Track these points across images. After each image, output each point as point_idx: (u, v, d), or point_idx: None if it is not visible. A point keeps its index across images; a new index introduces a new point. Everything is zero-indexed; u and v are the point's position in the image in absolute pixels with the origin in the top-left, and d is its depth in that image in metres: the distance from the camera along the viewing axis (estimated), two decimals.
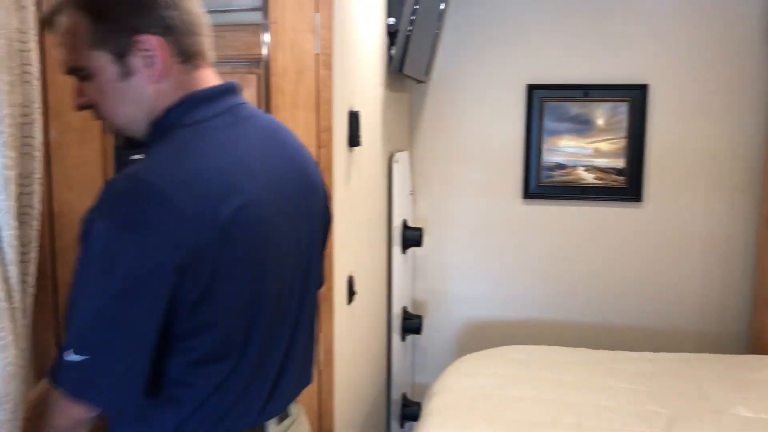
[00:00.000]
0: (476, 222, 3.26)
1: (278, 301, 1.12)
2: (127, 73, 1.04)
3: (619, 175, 3.10)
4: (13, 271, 1.01)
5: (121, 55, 1.03)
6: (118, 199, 0.94)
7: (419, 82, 3.11)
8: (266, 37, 1.85)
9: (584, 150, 3.12)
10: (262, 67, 1.86)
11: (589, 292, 3.18)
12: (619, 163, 3.10)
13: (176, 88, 1.07)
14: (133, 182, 0.95)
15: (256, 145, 1.10)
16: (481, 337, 3.24)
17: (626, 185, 3.10)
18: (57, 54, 1.05)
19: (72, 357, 0.95)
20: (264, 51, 1.85)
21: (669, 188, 3.08)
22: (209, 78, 1.11)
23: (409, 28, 2.41)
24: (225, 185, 0.99)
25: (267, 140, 1.13)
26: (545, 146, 3.14)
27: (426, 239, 3.16)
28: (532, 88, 3.12)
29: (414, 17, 2.41)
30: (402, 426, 3.06)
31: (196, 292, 0.97)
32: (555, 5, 3.08)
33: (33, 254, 1.07)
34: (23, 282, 1.05)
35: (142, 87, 1.05)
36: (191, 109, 1.06)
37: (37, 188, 1.06)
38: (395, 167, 2.76)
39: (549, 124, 3.13)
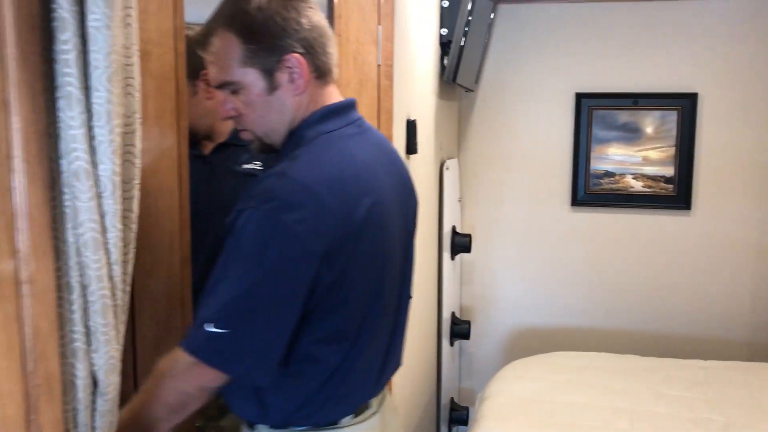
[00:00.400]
0: (524, 229, 3.28)
1: (390, 290, 1.24)
2: (273, 87, 1.16)
3: (668, 183, 3.11)
4: (117, 270, 1.08)
5: (269, 72, 1.15)
6: (270, 193, 1.06)
7: (468, 90, 3.16)
8: None
9: (633, 158, 3.13)
10: None
11: (636, 300, 3.18)
12: (668, 171, 3.10)
13: (310, 101, 1.20)
14: (283, 179, 1.07)
15: (375, 154, 1.23)
16: (527, 343, 3.27)
17: (675, 193, 3.10)
18: (208, 71, 1.19)
19: (212, 329, 1.05)
20: None
21: (718, 196, 3.07)
22: (335, 93, 1.23)
23: (462, 39, 2.46)
24: (360, 186, 1.13)
25: (380, 150, 1.26)
26: (593, 154, 3.16)
27: (473, 245, 3.20)
28: (580, 97, 3.14)
29: (467, 28, 2.46)
30: (450, 430, 3.09)
31: (333, 276, 1.09)
32: (604, 14, 3.10)
33: (131, 255, 1.14)
34: (123, 281, 1.12)
35: (285, 100, 1.17)
36: (324, 121, 1.19)
37: (136, 193, 1.13)
38: (446, 174, 2.80)
39: (597, 132, 3.14)
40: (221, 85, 1.19)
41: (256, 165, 1.68)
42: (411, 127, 2.12)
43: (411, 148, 2.12)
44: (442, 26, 2.58)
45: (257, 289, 1.05)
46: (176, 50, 1.30)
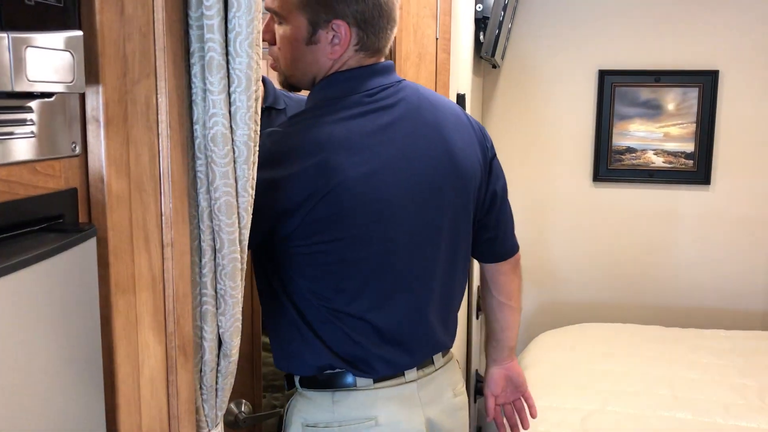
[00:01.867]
0: (546, 204, 3.33)
1: (403, 254, 1.26)
2: (312, 41, 1.20)
3: (688, 159, 3.17)
4: (245, 234, 1.11)
5: (314, 26, 1.19)
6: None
7: (494, 67, 3.18)
8: None
9: (654, 134, 3.19)
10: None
11: (656, 274, 3.25)
12: (689, 147, 3.16)
13: (344, 63, 1.24)
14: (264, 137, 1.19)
15: (393, 121, 1.25)
16: (550, 317, 3.33)
17: (695, 168, 3.17)
18: None
19: None
20: None
21: (737, 172, 3.14)
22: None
23: (502, 13, 2.48)
24: (353, 146, 1.18)
25: (409, 118, 1.26)
26: (615, 130, 3.21)
27: None
28: (603, 74, 3.18)
29: (507, 2, 2.48)
30: (475, 401, 3.15)
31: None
32: None
33: (249, 218, 1.17)
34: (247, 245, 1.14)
35: (318, 57, 1.22)
36: (332, 87, 1.25)
37: (256, 159, 1.15)
38: None
39: (620, 108, 3.19)
40: (270, 9, 1.24)
41: None
42: (461, 101, 2.15)
43: None
44: (477, 2, 2.59)
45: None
46: None
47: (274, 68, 1.32)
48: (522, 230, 3.37)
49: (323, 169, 1.16)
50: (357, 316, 1.25)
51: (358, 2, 1.19)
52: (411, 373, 1.31)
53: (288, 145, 1.18)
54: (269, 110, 1.72)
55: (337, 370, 1.26)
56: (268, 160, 1.13)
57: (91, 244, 0.78)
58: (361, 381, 1.27)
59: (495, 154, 1.44)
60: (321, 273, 1.22)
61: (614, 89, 3.18)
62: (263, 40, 1.24)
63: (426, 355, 1.34)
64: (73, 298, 0.75)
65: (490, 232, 1.45)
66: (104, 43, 0.83)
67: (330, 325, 1.24)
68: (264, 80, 1.58)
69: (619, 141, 3.22)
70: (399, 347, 1.29)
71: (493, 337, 1.55)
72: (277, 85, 1.53)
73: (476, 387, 3.14)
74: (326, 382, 1.27)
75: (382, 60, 1.29)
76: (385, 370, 1.28)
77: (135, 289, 0.92)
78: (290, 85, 1.31)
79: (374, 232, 1.22)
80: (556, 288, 3.36)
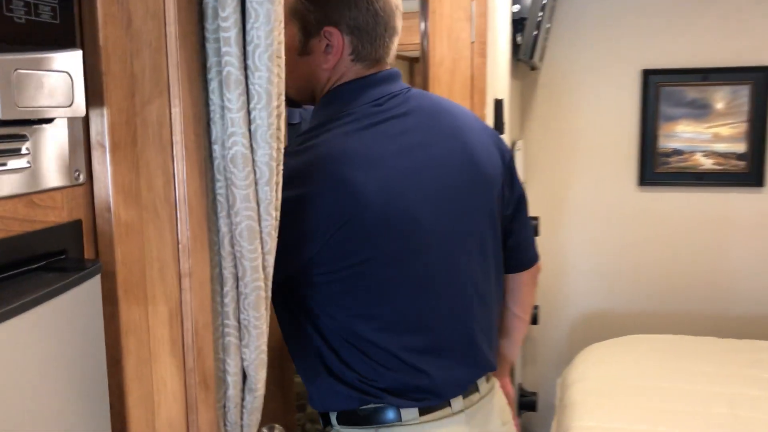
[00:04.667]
0: (590, 210, 3.21)
1: (425, 276, 1.17)
2: (305, 51, 1.15)
3: (740, 160, 3.02)
4: (270, 260, 1.03)
5: (306, 34, 1.14)
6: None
7: (532, 69, 3.08)
8: (422, 26, 1.85)
9: (702, 135, 3.04)
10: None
11: (707, 281, 3.10)
12: (740, 147, 3.01)
13: (342, 76, 1.19)
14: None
15: (408, 129, 1.18)
16: (595, 328, 3.20)
17: (747, 170, 3.01)
18: None
19: None
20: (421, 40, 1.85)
21: None
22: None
23: (540, 13, 2.38)
24: (370, 159, 1.11)
25: (424, 125, 1.20)
26: (661, 132, 3.07)
27: (541, 228, 3.13)
28: (647, 73, 3.05)
29: (545, 2, 2.38)
30: (519, 416, 3.04)
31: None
32: None
33: (273, 243, 1.09)
34: (271, 272, 1.07)
35: (313, 69, 1.16)
36: (332, 104, 1.19)
37: (281, 179, 1.08)
38: (516, 155, 2.74)
39: (665, 109, 3.05)
40: None
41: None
42: (498, 106, 2.06)
43: (499, 128, 2.05)
44: (514, 2, 2.50)
45: None
46: None
47: None
48: (564, 238, 3.29)
49: (341, 188, 1.09)
50: (392, 340, 1.17)
51: (351, 9, 1.14)
52: (457, 403, 1.22)
53: (300, 165, 1.11)
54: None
55: (377, 405, 1.17)
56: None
57: (95, 282, 0.71)
58: (406, 414, 1.18)
59: (513, 158, 1.37)
60: (350, 299, 1.14)
61: (659, 89, 3.04)
62: None
63: (473, 375, 1.26)
64: (75, 342, 0.68)
65: (513, 239, 1.37)
66: (108, 60, 0.76)
67: (361, 353, 1.16)
68: None
69: (666, 143, 3.08)
70: (443, 369, 1.20)
71: (498, 351, 1.45)
72: None
73: (520, 402, 3.03)
74: (367, 417, 1.18)
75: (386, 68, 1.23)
76: (429, 397, 1.19)
77: (149, 325, 0.85)
78: (288, 101, 1.26)
79: (403, 249, 1.15)
80: (602, 297, 3.23)
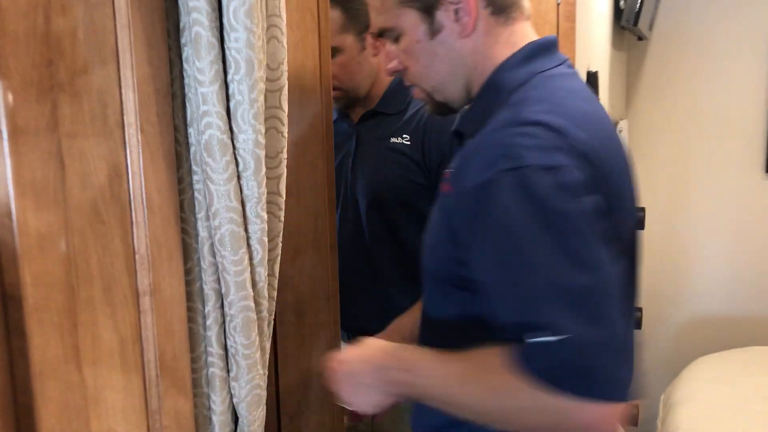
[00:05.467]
0: (707, 201, 2.83)
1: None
2: (435, 30, 0.96)
3: None
4: (262, 273, 0.83)
5: (428, 11, 0.95)
6: (518, 147, 0.80)
7: (639, 39, 2.73)
8: None
9: None
10: None
11: None
12: None
13: (494, 44, 0.96)
14: (526, 126, 0.82)
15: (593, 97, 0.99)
16: (710, 336, 2.82)
17: None
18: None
19: (546, 339, 0.75)
20: None
21: None
22: (530, 33, 0.98)
23: None
24: (599, 127, 0.89)
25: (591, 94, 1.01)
26: None
27: (647, 221, 2.78)
28: None
29: None
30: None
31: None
32: None
33: (278, 251, 0.89)
34: (269, 286, 0.86)
35: (451, 44, 0.96)
36: (531, 61, 0.94)
37: (283, 172, 0.86)
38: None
39: None
40: (381, 33, 0.99)
41: (404, 139, 1.40)
42: (592, 79, 1.77)
43: None
44: None
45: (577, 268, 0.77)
46: None
47: (417, 95, 1.02)
48: (674, 232, 2.92)
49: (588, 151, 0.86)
50: None
51: None
52: None
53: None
54: (377, 115, 1.42)
55: None
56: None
57: None
58: None
59: None
60: None
61: None
62: (392, 72, 1.00)
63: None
64: None
65: None
66: (3, 18, 0.57)
67: None
68: None
69: None
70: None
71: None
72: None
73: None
74: None
75: (528, 23, 1.00)
76: None
77: (80, 362, 0.67)
78: (442, 106, 1.01)
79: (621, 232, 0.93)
80: (716, 302, 2.86)
